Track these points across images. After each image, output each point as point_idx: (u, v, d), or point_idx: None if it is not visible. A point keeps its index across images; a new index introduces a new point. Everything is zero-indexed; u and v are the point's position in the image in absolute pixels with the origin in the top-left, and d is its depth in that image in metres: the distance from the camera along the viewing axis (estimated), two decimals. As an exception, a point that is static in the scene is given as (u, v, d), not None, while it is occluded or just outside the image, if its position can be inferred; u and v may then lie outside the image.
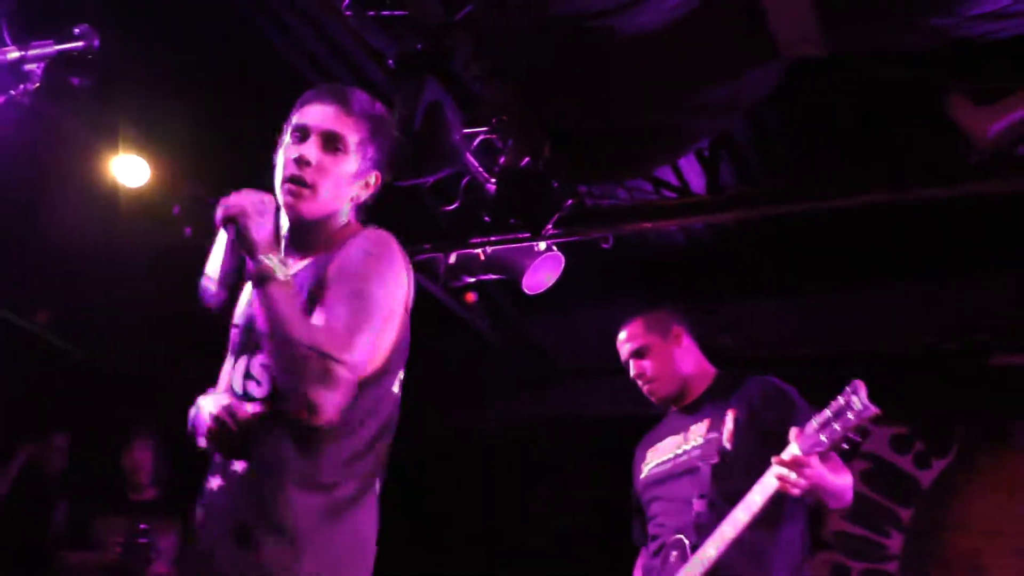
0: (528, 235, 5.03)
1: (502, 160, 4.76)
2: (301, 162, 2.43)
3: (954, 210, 4.96)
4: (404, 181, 4.57)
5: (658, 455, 3.77)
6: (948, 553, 6.05)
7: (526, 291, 5.18)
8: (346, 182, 2.47)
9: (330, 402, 2.23)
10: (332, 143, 2.47)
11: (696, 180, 5.01)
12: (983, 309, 5.71)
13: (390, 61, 4.42)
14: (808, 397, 3.49)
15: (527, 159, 4.70)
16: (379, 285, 2.37)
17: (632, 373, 3.86)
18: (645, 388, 3.84)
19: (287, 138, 2.50)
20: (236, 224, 2.30)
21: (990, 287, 5.61)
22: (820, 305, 5.86)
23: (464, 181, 4.85)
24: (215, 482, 2.37)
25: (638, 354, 3.84)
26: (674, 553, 3.44)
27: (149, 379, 6.52)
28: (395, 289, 2.41)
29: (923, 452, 6.29)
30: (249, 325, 2.43)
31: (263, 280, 2.26)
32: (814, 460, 3.13)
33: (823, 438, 3.10)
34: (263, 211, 2.32)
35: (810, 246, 5.41)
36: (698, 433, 3.65)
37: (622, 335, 3.89)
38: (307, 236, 2.49)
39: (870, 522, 6.28)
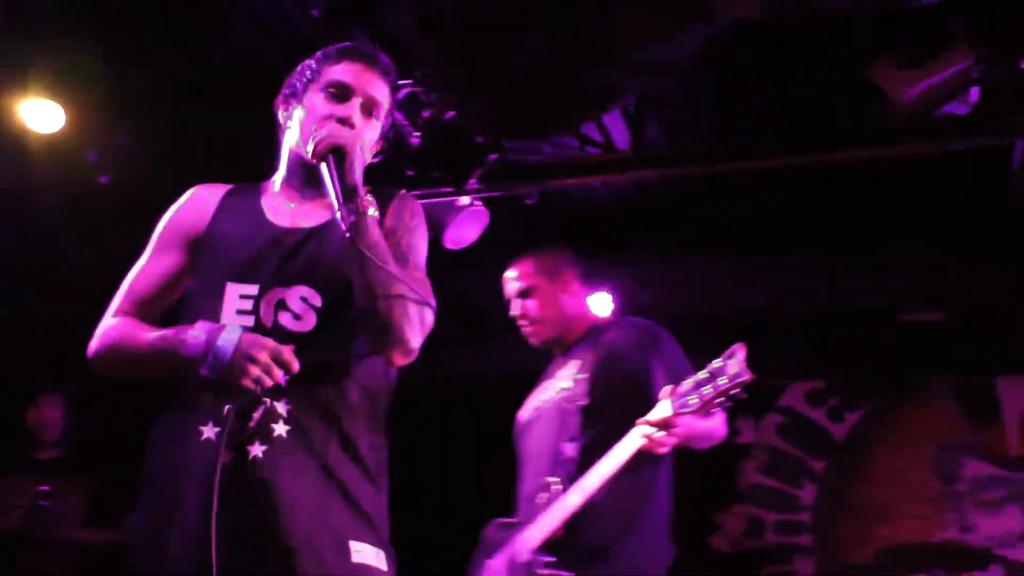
0: (451, 189, 5.00)
1: (426, 113, 4.72)
2: (345, 123, 2.35)
3: (867, 174, 5.06)
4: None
5: (533, 401, 3.75)
6: (858, 503, 6.24)
7: (448, 246, 5.14)
8: (367, 148, 2.42)
9: (417, 344, 2.26)
10: (369, 109, 2.42)
11: (621, 137, 5.01)
12: (893, 270, 5.82)
13: (314, 11, 4.34)
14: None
15: (452, 113, 4.67)
16: (422, 244, 2.40)
17: (514, 312, 3.79)
18: (526, 329, 3.78)
19: (316, 90, 2.42)
20: (344, 156, 2.23)
21: (900, 249, 5.71)
22: (738, 264, 5.92)
23: (388, 134, 4.79)
24: (281, 429, 2.20)
25: (524, 294, 3.78)
26: (543, 496, 3.39)
27: (60, 333, 6.36)
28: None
29: (836, 406, 6.45)
30: (269, 253, 2.34)
31: (363, 217, 2.20)
32: (683, 419, 3.10)
33: (694, 399, 3.06)
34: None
35: (730, 206, 5.46)
36: (567, 376, 3.62)
37: (511, 273, 3.83)
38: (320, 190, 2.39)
39: (784, 474, 6.42)
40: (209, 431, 2.20)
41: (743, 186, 5.27)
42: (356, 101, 2.39)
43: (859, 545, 6.18)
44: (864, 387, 6.40)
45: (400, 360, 2.29)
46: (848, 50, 4.36)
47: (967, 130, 4.59)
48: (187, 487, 2.17)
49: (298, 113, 2.43)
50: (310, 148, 2.27)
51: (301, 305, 2.28)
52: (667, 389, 3.15)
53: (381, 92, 2.44)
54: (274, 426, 2.19)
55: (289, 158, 2.46)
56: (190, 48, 4.58)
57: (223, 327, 2.19)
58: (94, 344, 2.38)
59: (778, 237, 5.69)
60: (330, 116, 2.35)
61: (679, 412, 3.09)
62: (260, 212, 2.44)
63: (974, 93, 4.54)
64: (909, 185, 5.24)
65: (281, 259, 2.33)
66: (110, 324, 2.38)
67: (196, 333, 2.19)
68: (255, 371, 2.13)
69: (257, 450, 2.18)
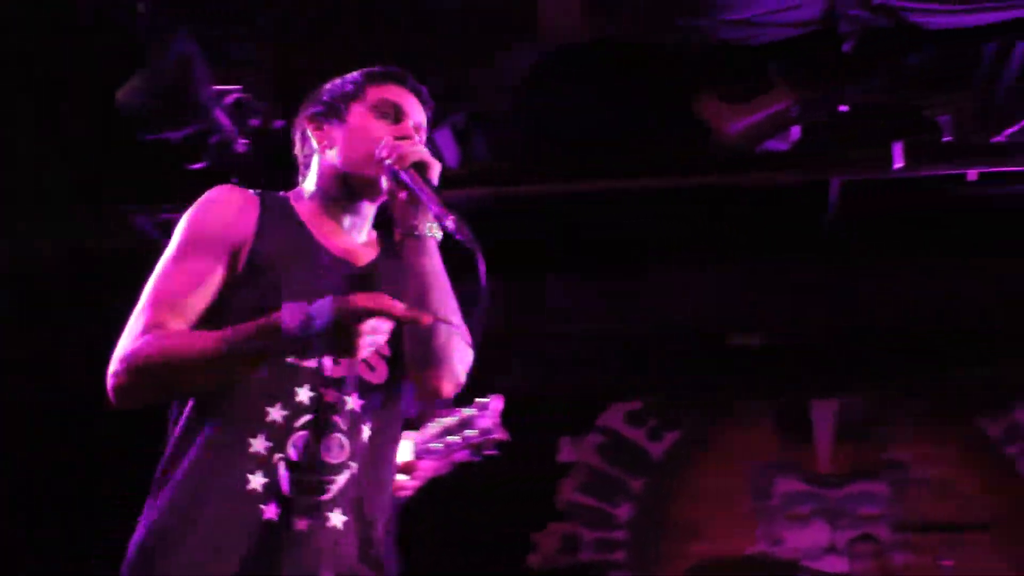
0: (277, 199, 4.94)
1: (255, 121, 4.62)
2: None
3: (695, 200, 5.18)
4: (150, 135, 4.39)
5: None
6: (675, 521, 6.39)
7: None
8: None
9: (464, 378, 2.22)
10: (415, 133, 2.36)
11: (450, 154, 5.01)
12: (718, 294, 5.98)
13: (140, 4, 4.21)
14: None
15: (281, 122, 4.58)
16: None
17: None
18: None
19: (364, 109, 2.33)
20: (427, 168, 2.18)
21: (725, 274, 5.87)
22: (564, 284, 5.98)
23: (213, 140, 4.67)
24: (352, 492, 2.11)
25: None
26: None
27: None
28: None
29: (656, 426, 6.58)
30: (331, 289, 2.10)
31: (426, 237, 2.18)
32: (424, 463, 2.92)
33: (438, 445, 2.88)
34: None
35: (557, 225, 5.50)
36: None
37: None
38: (366, 215, 2.37)
39: (601, 493, 6.53)
40: (257, 481, 2.05)
41: (570, 206, 5.33)
42: (408, 123, 2.33)
43: (673, 561, 6.34)
44: (683, 408, 6.56)
45: (448, 391, 2.22)
46: (676, 80, 4.47)
47: (786, 165, 4.78)
48: (223, 535, 2.02)
49: (340, 132, 2.33)
50: (388, 161, 2.18)
51: (375, 357, 2.20)
52: (410, 433, 3.06)
53: (423, 119, 2.39)
54: (351, 491, 2.11)
55: (328, 175, 2.35)
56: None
57: (306, 304, 1.98)
58: (119, 367, 2.06)
59: (603, 258, 5.78)
60: (391, 134, 2.27)
61: (420, 456, 2.93)
62: (308, 235, 2.29)
63: (795, 131, 4.72)
64: (734, 211, 5.39)
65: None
66: (143, 341, 2.06)
67: (287, 312, 1.97)
68: (364, 342, 1.96)
69: (337, 519, 2.08)
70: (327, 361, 2.11)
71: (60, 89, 4.55)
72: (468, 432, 2.83)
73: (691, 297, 5.96)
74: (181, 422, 2.10)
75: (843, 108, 4.50)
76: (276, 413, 2.07)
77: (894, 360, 6.16)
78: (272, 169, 4.67)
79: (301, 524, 2.04)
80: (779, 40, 4.20)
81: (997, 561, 5.99)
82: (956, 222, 5.37)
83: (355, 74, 2.40)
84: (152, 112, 4.30)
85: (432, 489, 3.31)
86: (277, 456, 2.05)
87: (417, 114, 2.37)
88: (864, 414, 6.41)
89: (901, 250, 5.66)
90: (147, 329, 2.07)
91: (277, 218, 2.27)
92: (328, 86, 2.41)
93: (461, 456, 2.89)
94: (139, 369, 2.03)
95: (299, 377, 2.10)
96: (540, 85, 4.51)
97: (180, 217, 2.29)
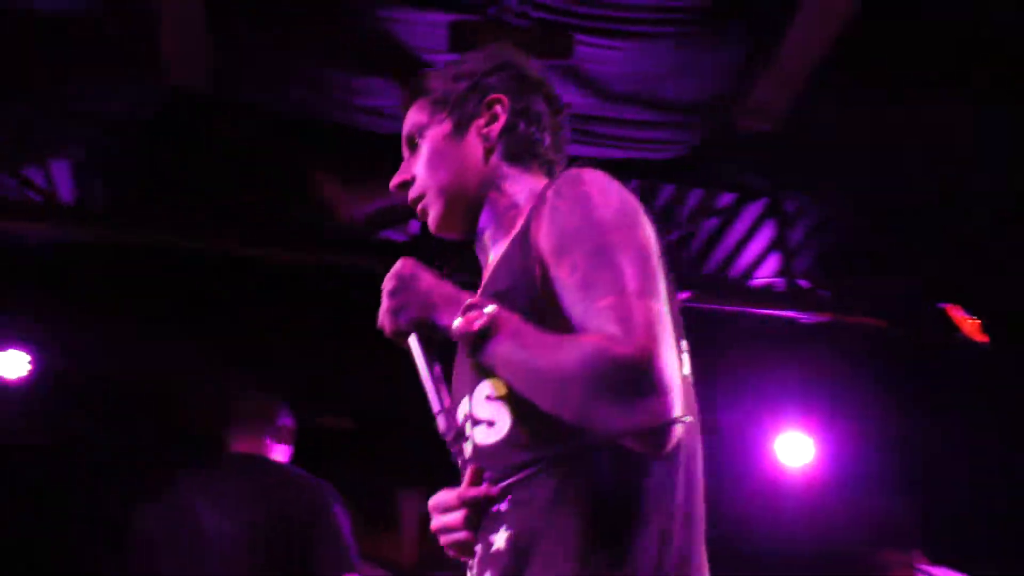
0: None
1: None
2: (401, 187, 1.99)
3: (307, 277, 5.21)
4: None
5: None
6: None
7: None
8: (451, 149, 1.94)
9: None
10: (410, 143, 2.00)
11: (66, 187, 4.81)
12: (300, 372, 5.83)
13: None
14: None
15: None
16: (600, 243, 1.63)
17: None
18: None
19: None
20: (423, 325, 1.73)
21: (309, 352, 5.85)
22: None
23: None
24: None
25: None
26: None
27: None
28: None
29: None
30: None
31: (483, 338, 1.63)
32: None
33: None
34: (422, 283, 1.74)
35: (163, 277, 5.36)
36: None
37: None
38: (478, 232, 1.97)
39: None
40: None
41: (172, 259, 5.19)
42: (405, 155, 2.02)
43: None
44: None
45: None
46: (294, 151, 4.51)
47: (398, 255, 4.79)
48: None
49: None
50: None
51: None
52: None
53: (411, 119, 2.00)
54: None
55: None
56: None
57: None
58: None
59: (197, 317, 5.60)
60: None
61: None
62: None
63: (414, 225, 4.87)
64: (329, 288, 5.33)
65: None
66: None
67: None
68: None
69: None
70: None
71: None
72: None
73: (271, 371, 5.70)
74: None
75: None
76: None
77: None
78: None
79: None
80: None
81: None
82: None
83: None
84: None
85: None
86: None
87: (406, 126, 2.03)
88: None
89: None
90: None
91: None
92: None
93: None
94: None
95: None
96: (163, 129, 4.43)
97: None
